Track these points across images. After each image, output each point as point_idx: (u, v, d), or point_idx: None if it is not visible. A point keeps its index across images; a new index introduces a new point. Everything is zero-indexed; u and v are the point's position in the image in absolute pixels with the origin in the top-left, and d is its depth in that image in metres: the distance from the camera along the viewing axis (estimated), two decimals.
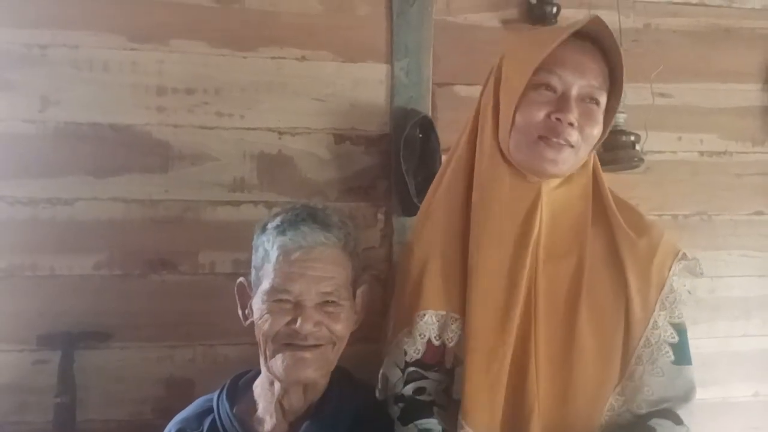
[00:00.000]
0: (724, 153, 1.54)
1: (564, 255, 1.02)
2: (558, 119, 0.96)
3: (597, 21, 0.96)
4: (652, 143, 1.45)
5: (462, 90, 1.41)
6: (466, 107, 1.38)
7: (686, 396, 1.00)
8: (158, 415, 1.26)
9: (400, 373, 1.04)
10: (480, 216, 1.03)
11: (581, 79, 0.97)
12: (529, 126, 0.98)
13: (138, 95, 1.30)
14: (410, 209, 1.35)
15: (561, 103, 0.97)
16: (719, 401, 1.53)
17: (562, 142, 0.97)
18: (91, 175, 1.28)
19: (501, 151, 1.03)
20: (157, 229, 1.30)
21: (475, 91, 1.38)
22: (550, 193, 1.02)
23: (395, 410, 1.04)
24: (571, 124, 0.96)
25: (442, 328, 1.03)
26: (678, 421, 0.98)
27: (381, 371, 1.07)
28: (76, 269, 1.27)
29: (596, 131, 1.00)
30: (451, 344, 1.03)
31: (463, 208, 1.06)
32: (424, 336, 1.03)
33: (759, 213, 1.55)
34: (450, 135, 1.36)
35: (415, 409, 1.02)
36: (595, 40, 0.99)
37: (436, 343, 1.03)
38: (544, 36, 1.01)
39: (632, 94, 1.43)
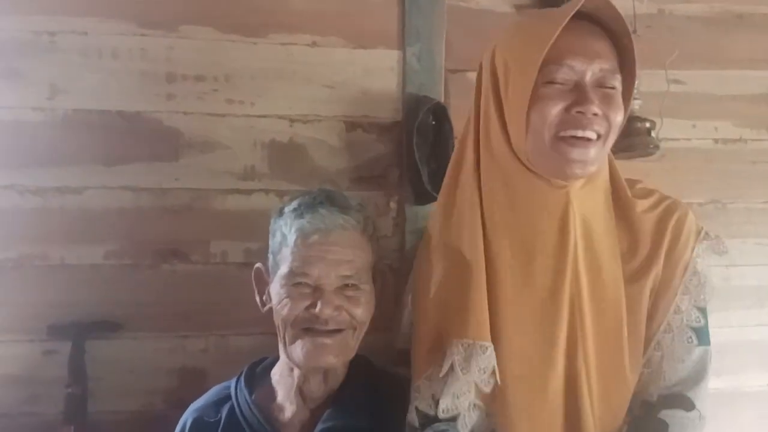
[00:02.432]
0: (739, 140, 1.52)
1: (601, 259, 0.95)
2: (580, 112, 0.88)
3: None
4: (666, 130, 1.43)
5: (475, 76, 1.39)
6: None
7: (697, 377, 0.95)
8: (170, 406, 1.26)
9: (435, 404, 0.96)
10: (502, 230, 0.95)
11: (593, 64, 0.88)
12: (547, 125, 0.89)
13: (147, 82, 1.28)
14: (423, 198, 1.34)
15: (578, 94, 0.88)
16: (732, 390, 1.52)
17: (590, 135, 0.88)
18: (101, 163, 1.27)
19: (517, 158, 0.94)
20: (168, 218, 1.29)
21: None
22: (578, 194, 0.94)
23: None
24: (595, 114, 0.88)
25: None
26: (689, 406, 0.94)
27: (414, 405, 0.98)
28: (86, 259, 1.26)
29: (620, 117, 0.91)
30: (485, 374, 0.92)
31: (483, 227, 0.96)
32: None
33: None
34: (463, 122, 1.35)
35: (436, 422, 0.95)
36: (598, 21, 0.91)
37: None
38: (543, 24, 0.90)
39: (647, 80, 1.41)
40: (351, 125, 1.36)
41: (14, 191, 1.24)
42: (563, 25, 0.86)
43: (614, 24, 0.91)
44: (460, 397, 0.94)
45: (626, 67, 0.93)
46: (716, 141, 1.51)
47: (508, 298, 0.93)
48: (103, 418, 1.26)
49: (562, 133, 0.89)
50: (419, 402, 0.97)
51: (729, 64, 1.51)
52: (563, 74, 0.89)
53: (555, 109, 0.89)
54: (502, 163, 0.95)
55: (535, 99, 0.89)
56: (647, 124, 1.38)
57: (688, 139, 1.50)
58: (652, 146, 1.38)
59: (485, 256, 0.95)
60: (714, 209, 1.51)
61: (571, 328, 0.92)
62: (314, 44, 1.34)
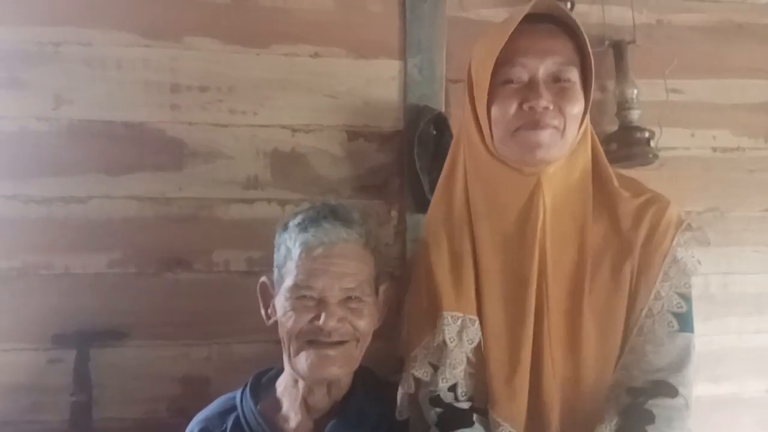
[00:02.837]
0: (737, 149, 1.53)
1: (569, 240, 1.01)
2: (531, 107, 0.95)
3: (544, 1, 0.95)
4: (665, 139, 1.45)
5: None
6: None
7: (680, 363, 0.97)
8: (174, 414, 1.27)
9: (432, 370, 1.02)
10: (483, 219, 1.03)
11: (545, 60, 0.96)
12: (505, 121, 0.97)
13: (151, 93, 1.29)
14: (424, 206, 1.34)
15: (530, 90, 0.96)
16: (732, 397, 1.53)
17: (543, 126, 0.96)
18: (105, 173, 1.28)
19: (491, 152, 1.02)
20: (171, 227, 1.30)
21: None
22: (550, 179, 1.00)
23: (432, 416, 1.01)
24: (546, 108, 0.95)
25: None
26: (673, 393, 0.95)
27: (405, 378, 1.03)
28: (90, 268, 1.27)
29: (577, 109, 0.97)
30: (473, 345, 1.01)
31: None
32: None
33: None
34: None
35: (454, 417, 1.00)
36: (557, 21, 0.98)
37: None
38: (498, 30, 0.99)
39: (646, 89, 1.43)
40: (353, 135, 1.37)
41: (19, 201, 1.25)
42: (511, 30, 0.94)
43: (569, 21, 0.98)
44: (456, 367, 1.00)
45: (587, 61, 0.99)
46: (715, 150, 1.52)
47: (490, 279, 1.02)
48: (107, 426, 1.26)
49: (519, 126, 0.97)
50: (416, 370, 1.02)
51: (728, 74, 1.52)
52: (517, 73, 0.97)
53: (511, 107, 0.97)
54: (478, 156, 1.04)
55: (496, 98, 0.98)
56: (646, 134, 1.39)
57: (687, 148, 1.50)
58: (651, 155, 1.39)
59: (472, 241, 1.04)
60: (713, 217, 1.52)
61: (538, 304, 0.99)
62: (316, 55, 1.35)
